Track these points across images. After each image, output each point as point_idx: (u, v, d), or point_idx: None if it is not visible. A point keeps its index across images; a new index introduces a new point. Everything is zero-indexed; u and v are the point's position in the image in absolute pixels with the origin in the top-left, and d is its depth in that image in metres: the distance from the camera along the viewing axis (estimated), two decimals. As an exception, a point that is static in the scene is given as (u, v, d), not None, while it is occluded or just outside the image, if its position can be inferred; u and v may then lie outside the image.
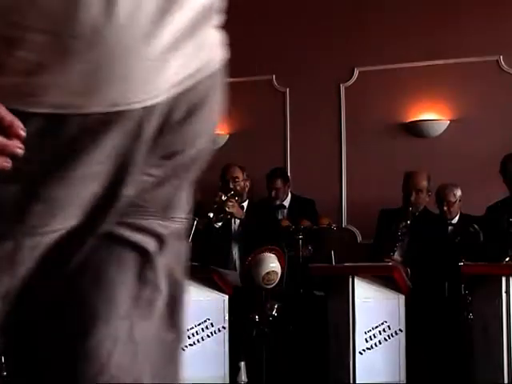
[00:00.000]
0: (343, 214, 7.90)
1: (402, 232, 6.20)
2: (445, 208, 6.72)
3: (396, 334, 5.31)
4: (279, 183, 7.44)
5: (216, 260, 5.89)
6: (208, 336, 5.45)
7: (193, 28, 1.34)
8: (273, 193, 7.39)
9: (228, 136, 8.28)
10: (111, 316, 1.41)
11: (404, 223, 6.20)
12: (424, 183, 6.40)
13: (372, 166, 7.84)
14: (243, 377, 5.50)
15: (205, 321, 5.44)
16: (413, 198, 6.32)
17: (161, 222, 1.45)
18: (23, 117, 1.24)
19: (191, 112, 1.38)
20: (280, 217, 7.12)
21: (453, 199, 6.74)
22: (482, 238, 6.16)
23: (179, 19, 1.31)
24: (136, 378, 1.44)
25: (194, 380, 5.31)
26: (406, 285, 5.39)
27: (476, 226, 6.17)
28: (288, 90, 8.15)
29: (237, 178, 6.40)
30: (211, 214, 6.05)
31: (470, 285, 5.58)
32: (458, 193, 6.78)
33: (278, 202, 7.33)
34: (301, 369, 5.84)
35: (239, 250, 6.25)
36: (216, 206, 6.07)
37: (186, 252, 1.54)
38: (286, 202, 7.44)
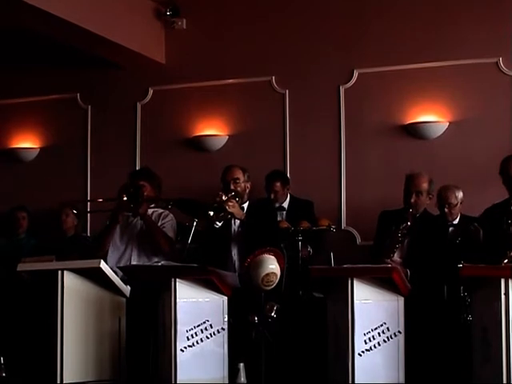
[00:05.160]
0: (342, 215, 7.90)
1: (401, 234, 6.19)
2: (446, 210, 6.69)
3: (395, 335, 5.30)
4: (278, 185, 7.43)
5: (215, 261, 5.88)
6: (207, 337, 5.44)
7: None
8: (272, 195, 7.38)
9: (227, 137, 8.27)
10: None
11: (404, 225, 6.19)
12: (424, 185, 6.37)
13: (371, 168, 7.85)
14: (242, 378, 5.49)
15: (204, 322, 5.44)
16: (412, 200, 6.29)
17: None
18: None
19: None
20: (279, 218, 7.11)
21: (454, 201, 6.71)
22: (482, 237, 6.13)
23: None
24: None
25: (193, 381, 5.32)
26: (406, 286, 5.38)
27: (476, 224, 6.15)
28: (287, 91, 8.15)
29: (237, 179, 6.40)
30: (211, 213, 6.06)
31: (469, 287, 5.58)
32: (460, 195, 6.74)
33: (277, 204, 7.33)
34: (300, 370, 5.83)
35: (239, 252, 6.24)
36: (216, 204, 6.08)
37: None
38: (285, 204, 7.44)
